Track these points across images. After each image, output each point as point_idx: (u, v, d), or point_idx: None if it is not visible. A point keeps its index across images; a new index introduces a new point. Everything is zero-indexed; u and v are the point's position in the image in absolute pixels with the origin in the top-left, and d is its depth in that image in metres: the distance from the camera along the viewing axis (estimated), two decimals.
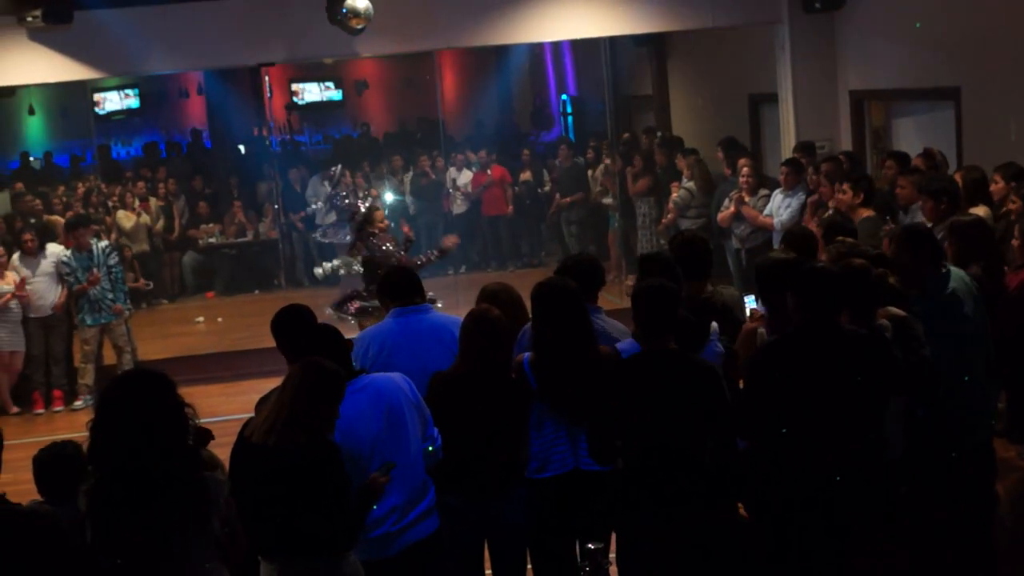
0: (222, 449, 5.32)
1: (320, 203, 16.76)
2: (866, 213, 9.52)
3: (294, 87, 23.95)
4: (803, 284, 5.78)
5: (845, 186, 9.78)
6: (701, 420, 5.68)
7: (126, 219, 17.41)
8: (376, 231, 11.65)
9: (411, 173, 18.63)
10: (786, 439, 5.62)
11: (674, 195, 14.27)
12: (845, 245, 7.08)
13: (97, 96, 21.39)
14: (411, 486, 5.65)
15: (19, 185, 17.46)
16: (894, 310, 6.32)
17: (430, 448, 5.76)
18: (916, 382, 6.06)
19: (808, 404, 5.58)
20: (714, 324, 6.38)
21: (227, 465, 5.35)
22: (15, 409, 12.95)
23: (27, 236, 13.30)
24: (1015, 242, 7.87)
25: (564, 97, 23.07)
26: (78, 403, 12.99)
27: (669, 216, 14.42)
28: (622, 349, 6.01)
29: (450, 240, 12.49)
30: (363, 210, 12.27)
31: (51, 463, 5.50)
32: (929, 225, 8.15)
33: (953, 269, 6.78)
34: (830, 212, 10.05)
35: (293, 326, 5.98)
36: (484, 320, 6.01)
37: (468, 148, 18.73)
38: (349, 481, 5.25)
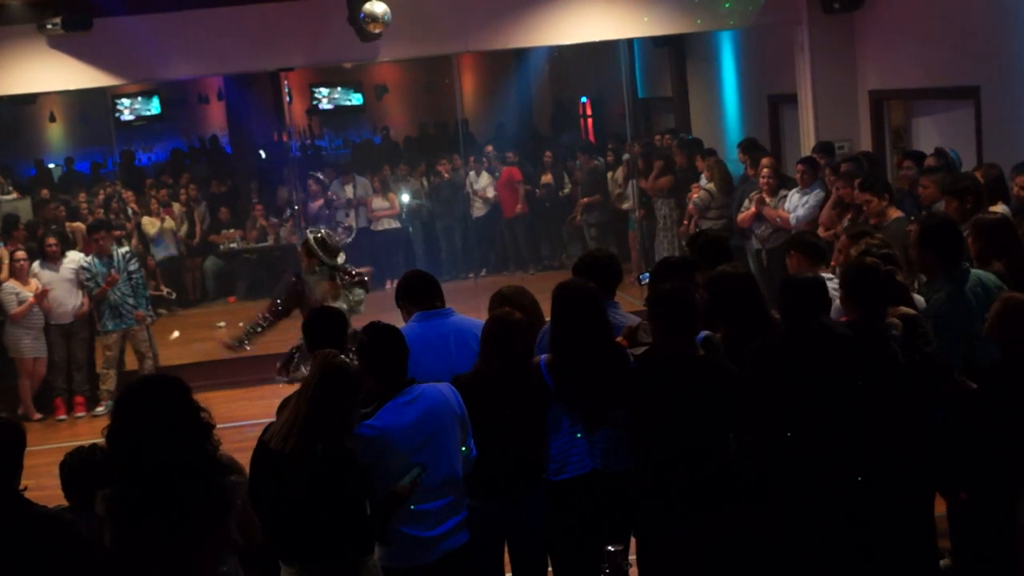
0: (244, 454, 5.33)
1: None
2: (895, 214, 9.49)
3: (314, 92, 24.01)
4: (781, 292, 5.94)
5: (867, 196, 9.67)
6: (722, 424, 5.68)
7: (151, 225, 17.49)
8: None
9: (430, 177, 18.62)
10: (792, 443, 5.63)
11: (694, 196, 14.21)
12: (869, 242, 7.10)
13: (117, 102, 21.45)
14: (448, 497, 5.65)
15: (45, 192, 17.56)
16: (905, 309, 6.32)
17: (464, 449, 5.76)
18: (919, 379, 6.03)
19: (804, 407, 5.59)
20: None
21: (247, 469, 5.36)
22: (38, 415, 13.01)
23: (50, 240, 13.37)
24: None
25: (584, 99, 23.04)
26: (100, 409, 13.03)
27: (687, 222, 14.31)
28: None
29: None
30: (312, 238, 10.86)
31: (78, 467, 5.51)
32: None
33: (973, 270, 6.76)
34: (861, 217, 9.95)
35: (324, 327, 6.05)
36: (506, 323, 6.01)
37: (487, 152, 18.70)
38: (367, 486, 5.25)
